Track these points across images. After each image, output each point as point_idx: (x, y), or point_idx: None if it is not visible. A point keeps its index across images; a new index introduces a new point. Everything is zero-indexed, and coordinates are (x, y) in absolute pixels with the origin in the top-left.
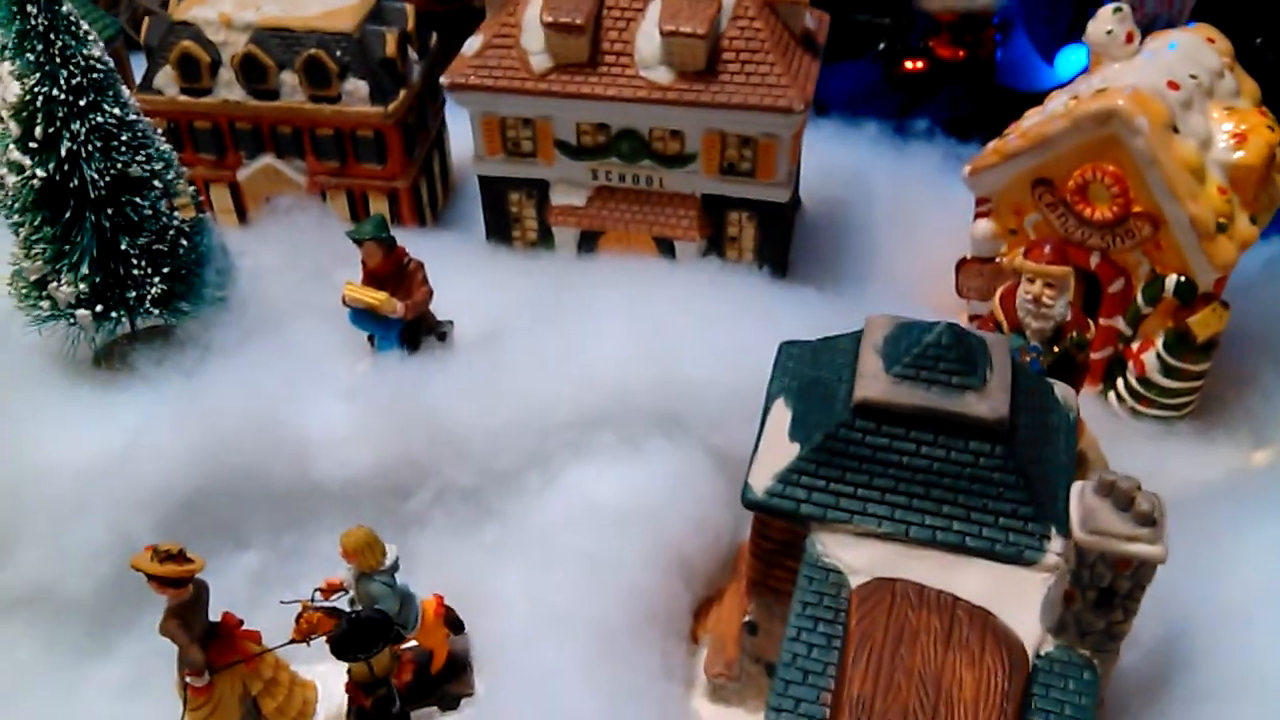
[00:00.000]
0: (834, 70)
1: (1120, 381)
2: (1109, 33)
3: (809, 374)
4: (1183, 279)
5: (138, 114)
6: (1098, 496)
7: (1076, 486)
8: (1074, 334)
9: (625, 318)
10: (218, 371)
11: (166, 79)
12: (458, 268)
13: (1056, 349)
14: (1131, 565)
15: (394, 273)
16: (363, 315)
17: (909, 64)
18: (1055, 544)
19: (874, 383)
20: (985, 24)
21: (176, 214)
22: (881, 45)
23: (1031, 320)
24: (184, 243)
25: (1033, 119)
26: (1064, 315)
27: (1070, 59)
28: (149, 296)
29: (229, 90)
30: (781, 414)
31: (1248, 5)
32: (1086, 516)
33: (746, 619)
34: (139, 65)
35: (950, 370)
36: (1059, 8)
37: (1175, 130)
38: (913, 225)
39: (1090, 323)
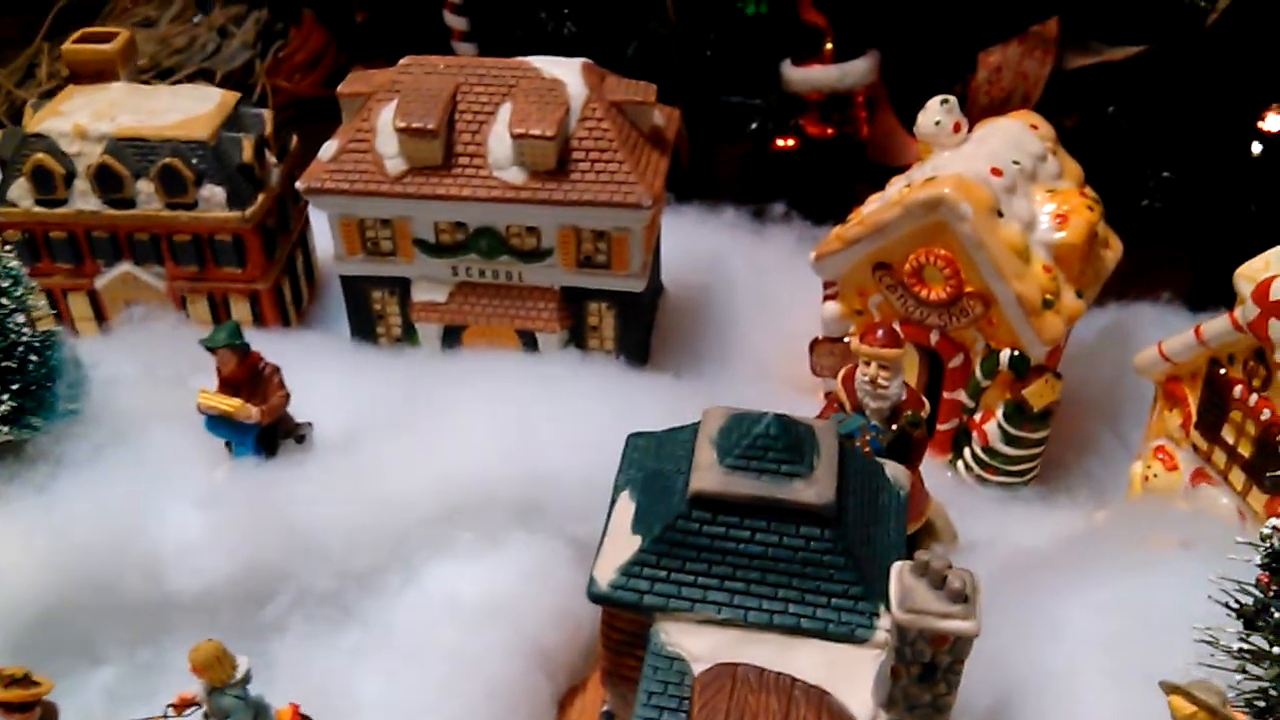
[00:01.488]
0: (713, 150)
1: (967, 451)
2: (937, 123)
3: (652, 466)
4: (1016, 353)
5: None
6: (914, 576)
7: (895, 567)
8: (909, 413)
9: (486, 412)
10: (70, 486)
11: (21, 191)
12: (320, 367)
13: (895, 427)
14: (948, 641)
15: (249, 378)
16: (218, 422)
17: (780, 142)
18: (885, 621)
19: (708, 474)
20: (851, 102)
21: (25, 330)
22: (754, 125)
23: (870, 400)
24: (33, 358)
25: (872, 205)
26: (899, 395)
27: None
28: None
29: (84, 200)
30: (625, 507)
31: (1098, 77)
32: (904, 596)
33: (604, 709)
34: None
35: (779, 459)
36: (921, 84)
37: (999, 214)
38: (771, 306)
39: (925, 401)
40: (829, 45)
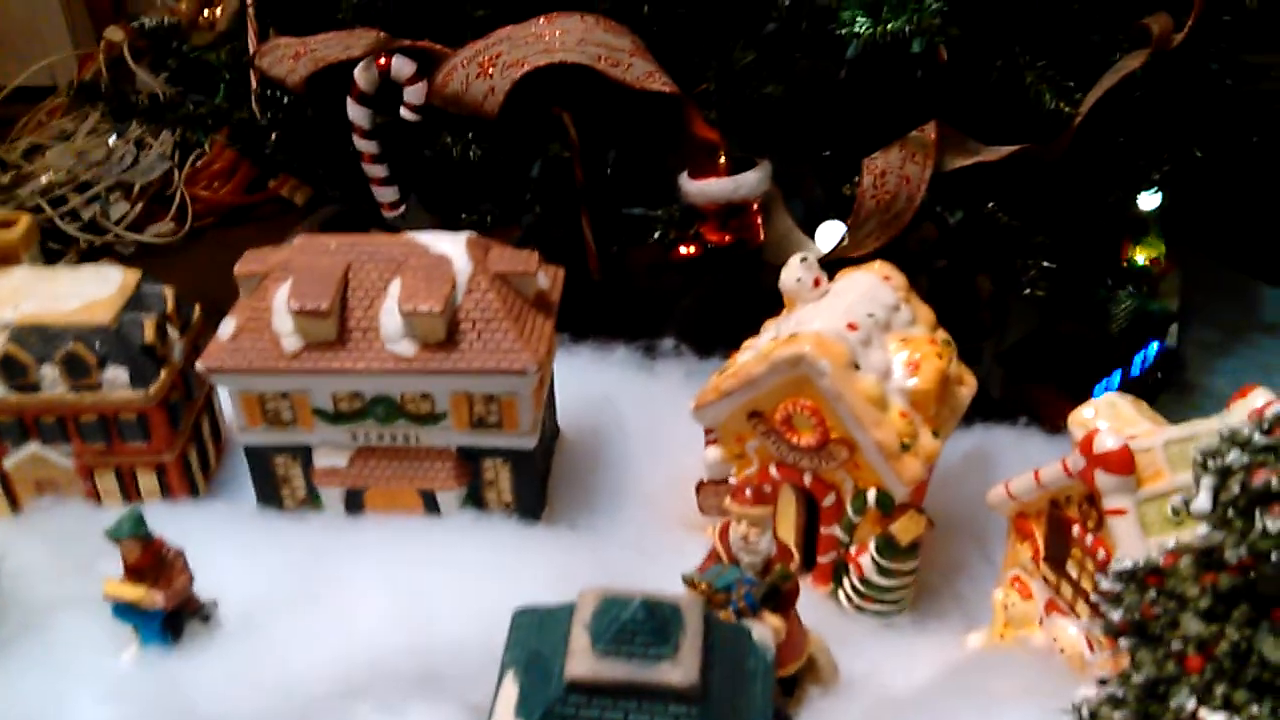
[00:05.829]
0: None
1: (846, 582)
2: (799, 280)
3: (534, 647)
4: (881, 492)
5: None
6: None
7: None
8: (779, 567)
9: (385, 581)
10: None
11: None
12: (225, 540)
13: (767, 580)
14: None
15: (154, 564)
16: (125, 609)
17: (683, 249)
18: None
19: (581, 660)
20: (747, 210)
21: None
22: (656, 234)
23: (743, 555)
24: None
25: (746, 353)
26: (770, 550)
27: (829, 229)
28: None
29: None
30: (510, 690)
31: (976, 176)
32: None
33: None
34: None
35: (646, 642)
36: (814, 186)
37: (856, 367)
38: (662, 444)
39: (794, 553)
40: (722, 158)
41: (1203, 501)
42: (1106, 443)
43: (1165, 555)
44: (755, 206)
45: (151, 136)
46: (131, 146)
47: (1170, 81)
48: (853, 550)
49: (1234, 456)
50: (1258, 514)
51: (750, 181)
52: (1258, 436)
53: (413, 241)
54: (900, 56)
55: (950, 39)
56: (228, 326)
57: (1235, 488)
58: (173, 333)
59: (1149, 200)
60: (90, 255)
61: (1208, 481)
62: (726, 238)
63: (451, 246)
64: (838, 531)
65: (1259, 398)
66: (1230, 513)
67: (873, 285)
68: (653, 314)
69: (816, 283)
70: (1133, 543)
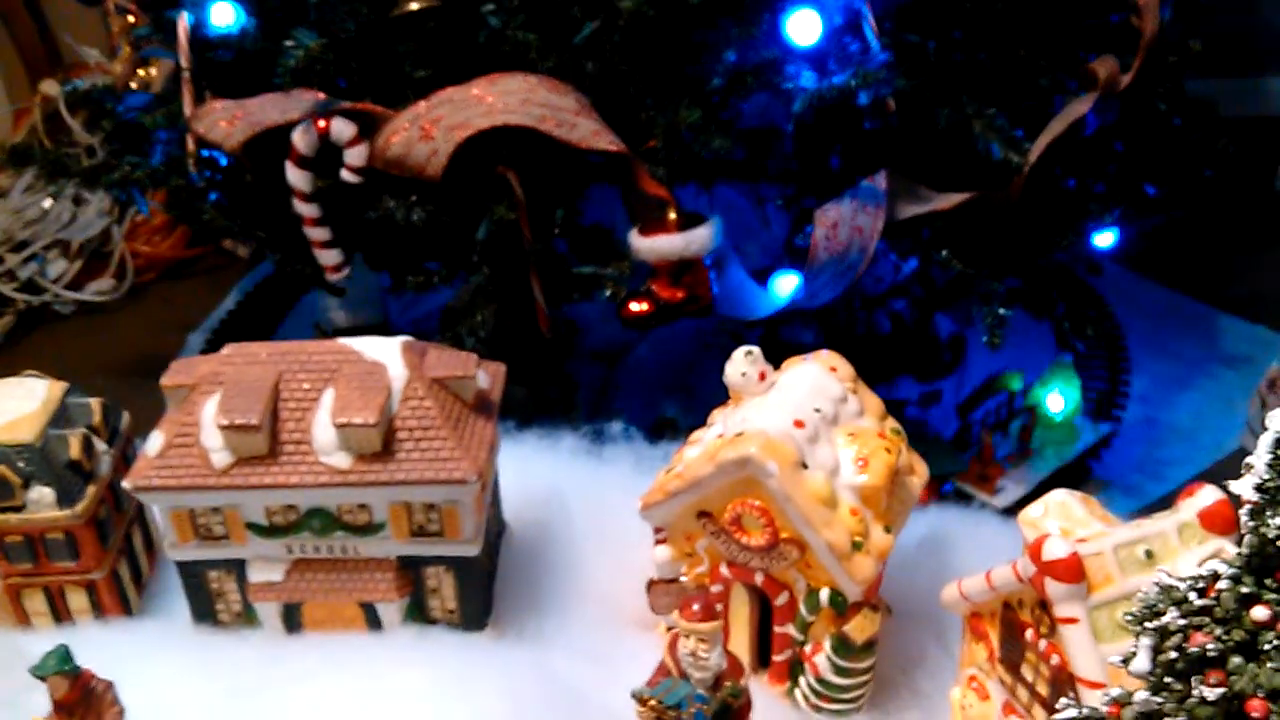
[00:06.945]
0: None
1: (802, 681)
2: (744, 374)
3: None
4: (834, 591)
5: None
6: None
7: None
8: (729, 684)
9: (325, 712)
10: None
11: None
12: (159, 662)
13: (718, 695)
14: None
15: (82, 698)
16: None
17: (634, 305)
18: None
19: None
20: (698, 265)
21: None
22: (608, 292)
23: (693, 671)
24: None
25: (694, 448)
26: (720, 665)
27: (784, 281)
28: None
29: None
30: None
31: (929, 224)
32: None
33: None
34: None
35: None
36: (764, 237)
37: (804, 466)
38: (610, 538)
39: (744, 668)
40: (672, 215)
41: (1141, 662)
42: (1055, 550)
43: (1110, 705)
44: (705, 263)
45: (89, 193)
46: (69, 204)
47: (1119, 122)
48: (808, 649)
49: (1171, 616)
50: (1194, 680)
51: (701, 237)
52: (1193, 596)
53: (346, 348)
54: (848, 108)
55: (897, 90)
56: (155, 442)
57: (1173, 651)
58: (100, 445)
59: (1104, 239)
60: (29, 316)
61: (1145, 642)
62: (679, 294)
63: (387, 353)
64: (792, 630)
65: (1207, 496)
66: (1168, 677)
67: (819, 377)
68: (604, 367)
69: (762, 376)
70: (1085, 651)
